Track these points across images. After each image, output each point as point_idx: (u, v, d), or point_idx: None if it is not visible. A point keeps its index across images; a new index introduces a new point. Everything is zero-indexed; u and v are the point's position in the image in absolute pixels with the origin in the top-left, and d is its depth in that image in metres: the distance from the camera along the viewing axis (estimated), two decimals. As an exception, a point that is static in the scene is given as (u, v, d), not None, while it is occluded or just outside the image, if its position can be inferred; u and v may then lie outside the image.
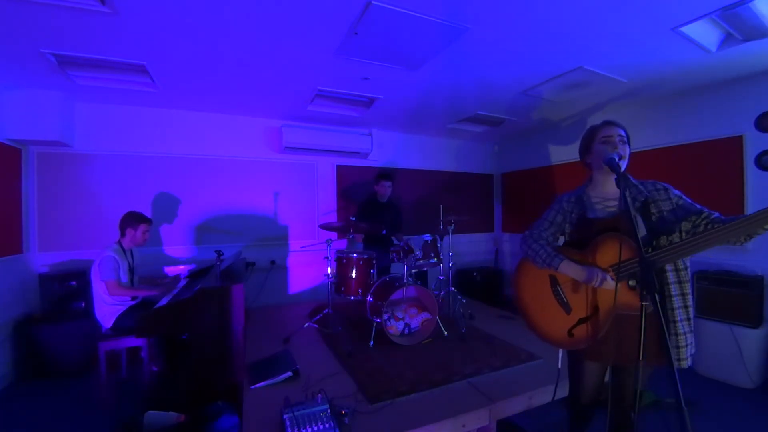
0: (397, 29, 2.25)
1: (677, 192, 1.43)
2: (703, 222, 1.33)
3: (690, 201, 1.40)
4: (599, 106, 3.93)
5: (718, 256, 3.16)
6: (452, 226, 3.66)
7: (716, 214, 1.32)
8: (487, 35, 2.38)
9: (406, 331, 2.86)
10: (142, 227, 2.95)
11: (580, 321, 1.48)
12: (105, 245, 2.97)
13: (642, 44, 2.51)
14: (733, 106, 3.16)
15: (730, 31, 2.37)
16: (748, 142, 3.06)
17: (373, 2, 1.97)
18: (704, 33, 2.39)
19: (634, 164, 3.72)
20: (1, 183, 2.99)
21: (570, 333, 1.50)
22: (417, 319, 2.92)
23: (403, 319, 2.89)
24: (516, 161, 5.60)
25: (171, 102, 3.63)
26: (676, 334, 1.36)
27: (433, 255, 3.19)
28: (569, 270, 1.46)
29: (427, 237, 3.23)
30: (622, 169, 1.42)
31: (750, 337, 2.78)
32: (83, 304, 3.19)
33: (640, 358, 1.20)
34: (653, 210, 1.40)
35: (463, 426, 1.85)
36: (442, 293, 3.61)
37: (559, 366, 1.72)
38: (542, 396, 2.08)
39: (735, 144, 3.13)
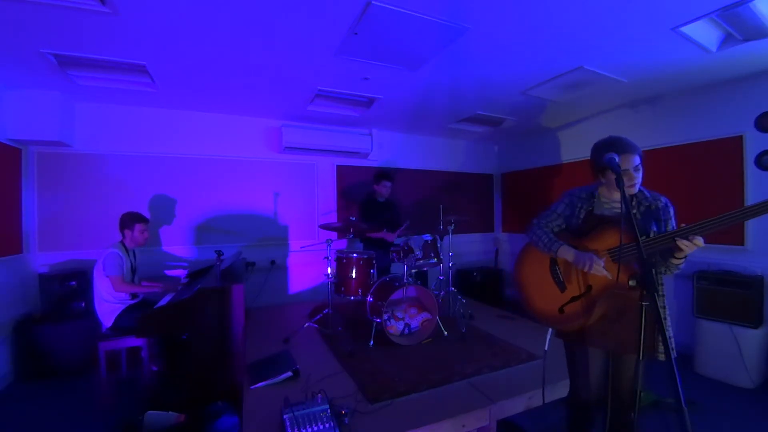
0: (397, 29, 2.25)
1: (672, 211, 1.54)
2: None
3: (674, 225, 1.51)
4: (599, 106, 3.93)
5: (718, 256, 3.16)
6: (452, 226, 3.66)
7: None
8: (487, 35, 2.38)
9: (406, 331, 2.86)
10: (138, 227, 2.94)
11: (573, 299, 1.59)
12: (104, 245, 2.97)
13: (642, 44, 2.50)
14: (733, 106, 3.15)
15: (730, 31, 2.37)
16: (748, 142, 3.06)
17: (373, 2, 1.97)
18: (704, 33, 2.39)
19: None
20: (1, 183, 2.99)
21: (561, 310, 1.62)
22: (417, 319, 2.92)
23: (403, 319, 2.89)
24: (516, 161, 5.59)
25: (171, 102, 3.63)
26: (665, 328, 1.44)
27: (433, 255, 3.19)
28: (566, 254, 1.59)
29: (427, 237, 3.23)
30: (635, 189, 1.52)
31: (750, 337, 2.78)
32: (83, 304, 3.19)
33: (640, 358, 1.20)
34: (652, 219, 1.52)
35: (463, 426, 1.85)
36: (442, 293, 3.61)
37: (546, 348, 1.79)
38: (543, 395, 2.08)
39: (735, 144, 3.13)
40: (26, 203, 3.29)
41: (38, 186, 3.38)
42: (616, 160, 1.41)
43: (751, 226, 3.04)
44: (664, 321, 1.46)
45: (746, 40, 2.41)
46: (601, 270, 1.49)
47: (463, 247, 5.38)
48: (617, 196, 1.57)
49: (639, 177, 1.50)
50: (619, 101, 3.75)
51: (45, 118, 3.11)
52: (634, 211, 1.54)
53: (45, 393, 2.79)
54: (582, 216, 1.65)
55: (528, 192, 5.38)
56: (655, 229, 1.50)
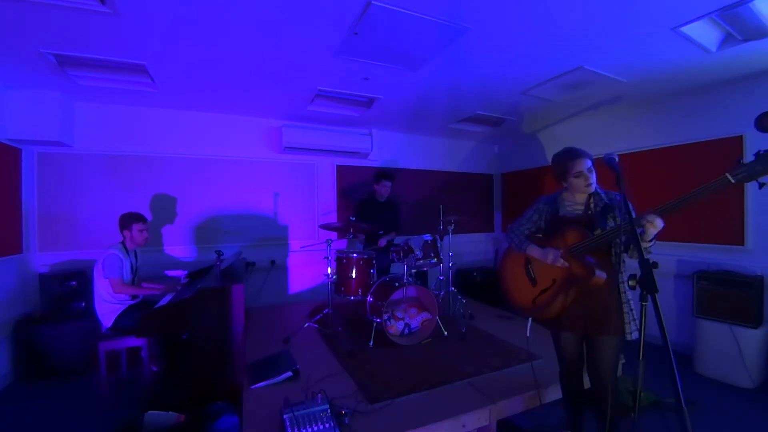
0: (397, 29, 2.25)
1: (629, 206, 1.69)
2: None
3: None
4: (599, 106, 3.93)
5: (718, 256, 3.16)
6: (452, 226, 3.66)
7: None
8: (487, 35, 2.38)
9: (406, 331, 2.86)
10: (136, 226, 2.93)
11: (542, 291, 1.86)
12: (105, 245, 2.97)
13: (642, 44, 2.50)
14: (733, 106, 3.15)
15: (730, 31, 2.37)
16: (748, 142, 3.05)
17: (373, 2, 1.98)
18: (704, 33, 2.39)
19: (635, 164, 3.72)
20: (1, 183, 2.99)
21: (534, 301, 1.89)
22: (417, 319, 2.92)
23: (403, 319, 2.89)
24: (516, 161, 5.59)
25: (171, 102, 3.63)
26: (632, 310, 1.71)
27: (433, 255, 3.19)
28: (533, 252, 1.88)
29: (427, 237, 3.23)
30: (592, 189, 1.77)
31: (750, 337, 2.78)
32: (83, 304, 3.19)
33: (641, 359, 1.20)
34: (609, 215, 1.73)
35: (463, 426, 1.85)
36: (442, 293, 3.61)
37: (528, 335, 2.07)
38: (542, 396, 2.08)
39: (735, 144, 3.13)
40: (26, 203, 3.29)
41: (38, 186, 3.38)
42: (616, 159, 1.48)
43: (751, 226, 3.04)
44: (626, 303, 1.70)
45: (746, 40, 2.41)
46: (560, 261, 1.73)
47: (463, 247, 5.38)
48: (579, 198, 1.84)
49: (593, 177, 1.75)
50: (618, 101, 3.75)
51: (45, 118, 3.11)
52: (590, 211, 1.79)
53: (45, 393, 2.79)
54: (548, 218, 1.92)
55: (528, 192, 5.37)
56: (612, 224, 1.71)
